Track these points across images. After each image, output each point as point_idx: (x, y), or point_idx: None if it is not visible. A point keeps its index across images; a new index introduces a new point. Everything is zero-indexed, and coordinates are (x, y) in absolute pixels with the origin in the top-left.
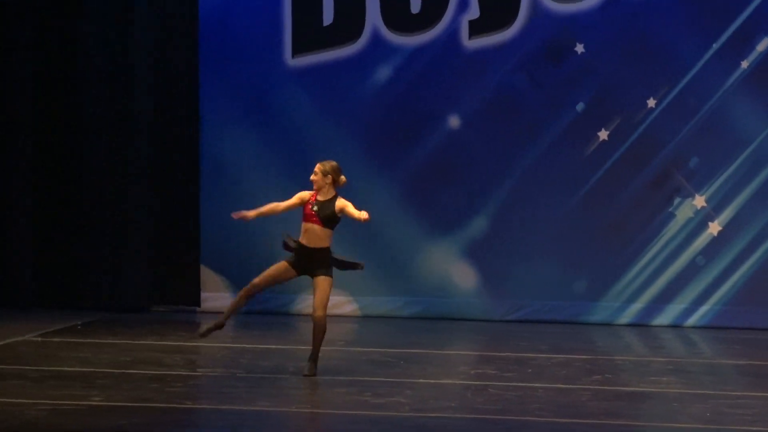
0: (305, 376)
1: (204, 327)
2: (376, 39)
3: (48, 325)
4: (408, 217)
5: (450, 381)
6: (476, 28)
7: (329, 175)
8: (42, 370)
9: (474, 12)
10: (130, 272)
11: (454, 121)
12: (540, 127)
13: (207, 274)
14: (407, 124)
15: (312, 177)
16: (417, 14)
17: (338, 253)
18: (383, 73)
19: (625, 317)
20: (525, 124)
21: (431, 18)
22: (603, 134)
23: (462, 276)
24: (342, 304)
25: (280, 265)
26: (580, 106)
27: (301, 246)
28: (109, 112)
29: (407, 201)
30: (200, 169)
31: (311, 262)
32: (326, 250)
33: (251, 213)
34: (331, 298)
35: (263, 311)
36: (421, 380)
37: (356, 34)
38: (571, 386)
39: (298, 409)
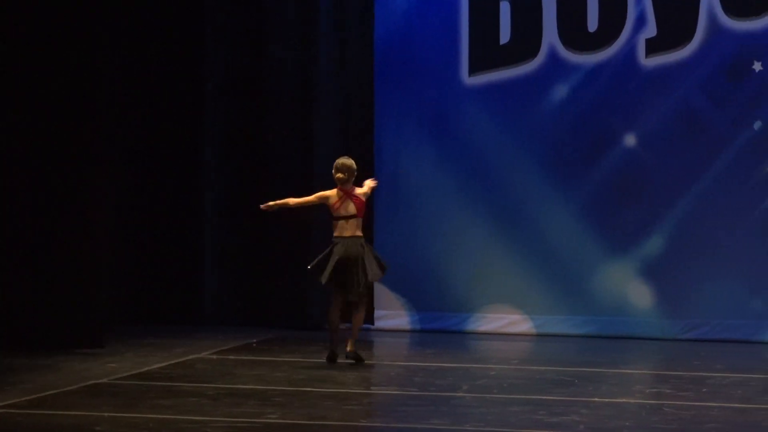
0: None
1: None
2: (553, 57)
3: (223, 342)
4: (585, 236)
5: (625, 400)
6: (653, 47)
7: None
8: (218, 387)
9: (651, 30)
10: (305, 290)
11: (631, 140)
12: (718, 146)
13: (381, 292)
14: (585, 144)
15: (339, 175)
16: (594, 33)
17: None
18: (560, 91)
19: None
20: (703, 143)
21: (608, 36)
22: None
23: (638, 295)
24: (517, 322)
25: None
26: (757, 125)
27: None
28: (293, 134)
29: (584, 220)
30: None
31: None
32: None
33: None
34: (505, 317)
35: (436, 330)
36: (596, 399)
37: (533, 52)
38: (747, 406)
39: (473, 428)
